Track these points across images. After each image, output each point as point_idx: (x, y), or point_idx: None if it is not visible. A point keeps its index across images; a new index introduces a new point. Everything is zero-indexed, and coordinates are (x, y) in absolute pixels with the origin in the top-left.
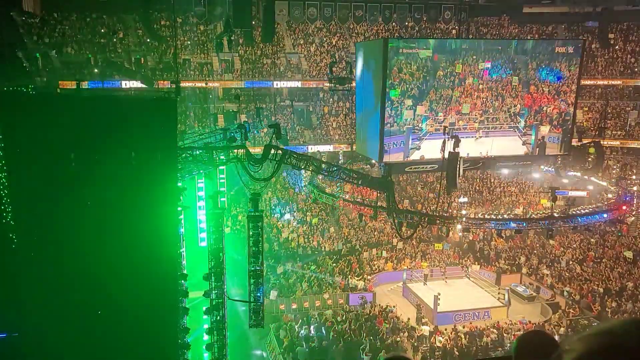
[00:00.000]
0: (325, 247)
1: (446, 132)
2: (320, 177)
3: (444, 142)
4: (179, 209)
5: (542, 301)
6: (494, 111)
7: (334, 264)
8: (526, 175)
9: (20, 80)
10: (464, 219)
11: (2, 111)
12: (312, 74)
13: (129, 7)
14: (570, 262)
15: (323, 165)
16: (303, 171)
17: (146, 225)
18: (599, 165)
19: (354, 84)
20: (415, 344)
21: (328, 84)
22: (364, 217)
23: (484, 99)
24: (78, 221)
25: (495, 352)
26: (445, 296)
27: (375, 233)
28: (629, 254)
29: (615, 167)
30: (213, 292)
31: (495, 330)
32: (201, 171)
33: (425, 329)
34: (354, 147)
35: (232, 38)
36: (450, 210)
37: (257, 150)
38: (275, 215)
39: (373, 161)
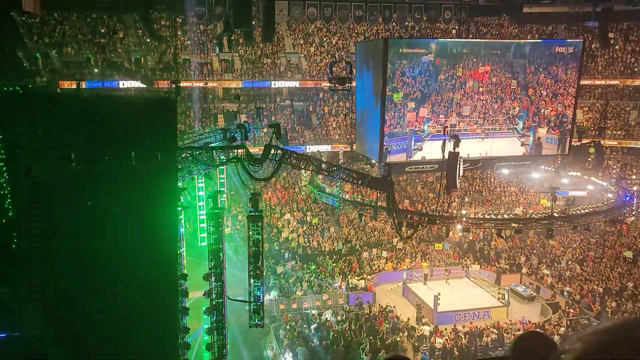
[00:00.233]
0: (325, 247)
1: (446, 132)
2: (320, 177)
3: (444, 142)
4: (179, 209)
5: (542, 301)
6: (494, 113)
7: (334, 264)
8: (526, 175)
9: (20, 80)
10: (464, 219)
11: (2, 111)
12: (312, 74)
13: (129, 7)
14: (570, 262)
15: (323, 165)
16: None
17: (146, 225)
18: (599, 165)
19: (354, 84)
20: (416, 344)
21: (328, 84)
22: (363, 217)
23: (484, 102)
24: (78, 221)
25: (495, 352)
26: (445, 296)
27: (375, 233)
28: (628, 254)
29: (615, 167)
30: (213, 292)
31: (495, 330)
32: (201, 171)
33: (426, 329)
34: (354, 147)
35: (232, 38)
36: (450, 210)
37: (256, 150)
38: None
39: (373, 161)
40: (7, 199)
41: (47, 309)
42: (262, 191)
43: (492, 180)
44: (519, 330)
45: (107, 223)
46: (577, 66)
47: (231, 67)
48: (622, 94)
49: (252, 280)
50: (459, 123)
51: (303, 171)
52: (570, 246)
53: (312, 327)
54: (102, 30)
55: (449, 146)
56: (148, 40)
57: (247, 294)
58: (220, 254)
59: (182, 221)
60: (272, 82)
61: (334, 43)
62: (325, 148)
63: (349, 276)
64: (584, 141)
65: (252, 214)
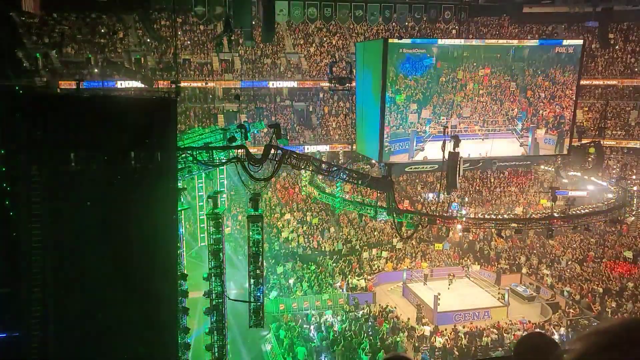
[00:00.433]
0: (325, 247)
1: (446, 132)
2: (320, 177)
3: (444, 142)
4: (179, 209)
5: (542, 301)
6: (493, 114)
7: (334, 264)
8: (526, 175)
9: (20, 80)
10: (464, 219)
11: (2, 111)
12: (312, 74)
13: (129, 7)
14: (569, 262)
15: (323, 165)
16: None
17: (146, 225)
18: (599, 165)
19: (354, 84)
20: (416, 344)
21: (327, 84)
22: (363, 217)
23: (484, 103)
24: (78, 221)
25: (495, 352)
26: (445, 296)
27: (375, 233)
28: (628, 254)
29: (615, 167)
30: (213, 292)
31: (495, 331)
32: (201, 171)
33: (427, 329)
34: (354, 147)
35: (232, 38)
36: (450, 210)
37: (256, 150)
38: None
39: (373, 161)
40: (7, 199)
41: (47, 309)
42: (262, 191)
43: (492, 180)
44: (518, 330)
45: (106, 223)
46: (575, 68)
47: (231, 67)
48: (622, 94)
49: (252, 280)
50: (459, 124)
51: (303, 171)
52: (570, 246)
53: (312, 327)
54: (102, 30)
55: (449, 146)
56: (148, 40)
57: (247, 294)
58: (220, 254)
59: (182, 221)
60: (270, 82)
61: (334, 43)
62: (324, 148)
63: (349, 276)
64: (584, 141)
65: (252, 214)
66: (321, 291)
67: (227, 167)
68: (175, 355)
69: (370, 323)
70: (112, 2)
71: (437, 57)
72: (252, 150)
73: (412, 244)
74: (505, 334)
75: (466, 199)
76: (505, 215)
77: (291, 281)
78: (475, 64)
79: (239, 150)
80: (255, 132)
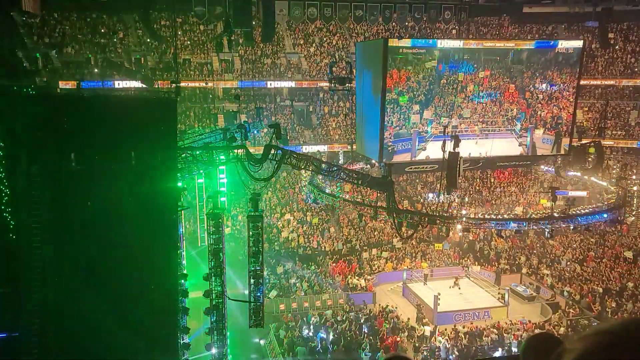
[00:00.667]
0: (325, 247)
1: (446, 132)
2: (320, 177)
3: (444, 142)
4: (179, 209)
5: (542, 301)
6: (493, 115)
7: (334, 264)
8: (526, 176)
9: (20, 80)
10: (464, 219)
11: (2, 111)
12: (312, 74)
13: (129, 7)
14: (570, 262)
15: (323, 165)
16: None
17: (146, 225)
18: (599, 165)
19: (354, 84)
20: (417, 344)
21: (327, 84)
22: (363, 217)
23: (484, 104)
24: (78, 221)
25: (495, 352)
26: (445, 296)
27: (375, 233)
28: (629, 254)
29: (615, 167)
30: (213, 292)
31: (495, 331)
32: (201, 171)
33: (427, 329)
34: (354, 147)
35: (232, 38)
36: (450, 210)
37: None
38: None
39: (373, 161)
40: (7, 200)
41: (47, 309)
42: (262, 191)
43: (492, 180)
44: (518, 330)
45: (107, 223)
46: (573, 69)
47: (231, 67)
48: (622, 94)
49: (252, 280)
50: (460, 124)
51: (303, 171)
52: (570, 246)
53: (312, 327)
54: (102, 30)
55: (449, 146)
56: (148, 40)
57: (247, 294)
58: (220, 254)
59: (182, 221)
60: (268, 82)
61: (334, 43)
62: (322, 148)
63: (349, 276)
64: (584, 141)
65: (252, 214)
66: (321, 291)
67: (227, 167)
68: (176, 355)
69: (370, 323)
70: (112, 2)
71: (438, 60)
72: (252, 150)
73: (412, 244)
74: (505, 334)
75: (466, 199)
76: (505, 215)
77: (291, 281)
78: (475, 66)
79: (239, 150)
80: (256, 132)
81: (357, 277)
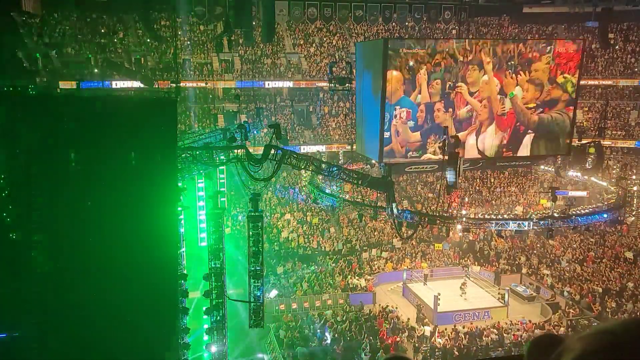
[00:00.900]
0: (325, 247)
1: (446, 132)
2: (320, 177)
3: (444, 142)
4: (179, 209)
5: (542, 301)
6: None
7: (334, 264)
8: (526, 176)
9: (20, 80)
10: (464, 219)
11: (2, 111)
12: (312, 74)
13: (129, 7)
14: (569, 262)
15: (323, 165)
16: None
17: (146, 225)
18: (599, 165)
19: (354, 84)
20: (416, 344)
21: (327, 84)
22: (364, 217)
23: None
24: (78, 221)
25: (495, 352)
26: (445, 296)
27: (375, 233)
28: (629, 255)
29: (615, 167)
30: (213, 292)
31: (495, 331)
32: (201, 171)
33: (427, 330)
34: (354, 147)
35: (232, 38)
36: (450, 210)
37: (256, 150)
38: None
39: (373, 161)
40: (7, 199)
41: (47, 309)
42: (262, 191)
43: (492, 181)
44: (518, 330)
45: (107, 223)
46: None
47: (231, 67)
48: (622, 94)
49: (252, 280)
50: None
51: (303, 171)
52: (570, 246)
53: (312, 327)
54: (102, 31)
55: (449, 146)
56: (148, 40)
57: (247, 294)
58: (220, 254)
59: (182, 221)
60: (266, 83)
61: (333, 43)
62: (320, 148)
63: (349, 276)
64: (584, 141)
65: (252, 214)
66: (321, 291)
67: (227, 167)
68: (176, 355)
69: (370, 323)
70: (112, 2)
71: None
72: (252, 150)
73: (412, 244)
74: (505, 334)
75: (466, 199)
76: (505, 215)
77: (291, 281)
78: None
79: (239, 150)
80: (256, 132)
81: (357, 277)
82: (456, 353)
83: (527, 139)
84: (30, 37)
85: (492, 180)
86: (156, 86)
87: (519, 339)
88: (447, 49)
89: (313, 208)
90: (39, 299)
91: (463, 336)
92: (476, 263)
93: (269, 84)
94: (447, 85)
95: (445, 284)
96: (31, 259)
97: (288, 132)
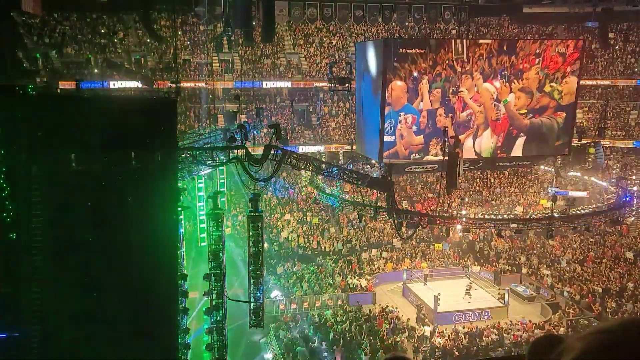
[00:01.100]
0: (325, 247)
1: (446, 132)
2: (320, 178)
3: (444, 142)
4: (179, 209)
5: (542, 301)
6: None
7: (334, 264)
8: (526, 176)
9: (20, 80)
10: (464, 219)
11: (2, 111)
12: (312, 74)
13: (129, 7)
14: (570, 262)
15: (323, 166)
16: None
17: (146, 226)
18: (599, 166)
19: (354, 84)
20: (416, 344)
21: (322, 84)
22: (363, 217)
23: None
24: (78, 221)
25: (495, 352)
26: (445, 296)
27: (375, 233)
28: (630, 255)
29: (615, 167)
30: (213, 292)
31: (495, 331)
32: (201, 171)
33: (427, 330)
34: (354, 148)
35: (232, 38)
36: (450, 211)
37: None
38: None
39: (373, 161)
40: (7, 199)
41: (47, 309)
42: (262, 191)
43: (492, 181)
44: (518, 330)
45: (107, 223)
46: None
47: (231, 67)
48: (622, 94)
49: (252, 281)
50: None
51: (303, 171)
52: (570, 246)
53: (312, 327)
54: (102, 31)
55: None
56: (148, 40)
57: (247, 294)
58: (220, 254)
59: (182, 221)
60: (264, 83)
61: (333, 43)
62: (320, 148)
63: (349, 276)
64: (584, 141)
65: (252, 214)
66: (321, 291)
67: (227, 167)
68: (175, 355)
69: (370, 323)
70: (112, 3)
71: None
72: (252, 150)
73: (412, 244)
74: (505, 334)
75: (466, 199)
76: (505, 215)
77: (291, 281)
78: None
79: (239, 151)
80: (255, 132)
81: (357, 278)
82: (456, 353)
83: (520, 142)
84: (30, 37)
85: (492, 181)
86: (156, 86)
87: (519, 339)
88: (447, 61)
89: (313, 208)
90: (38, 299)
91: (463, 336)
92: (476, 263)
93: (266, 84)
94: (451, 91)
95: (445, 284)
96: (31, 259)
97: (288, 132)
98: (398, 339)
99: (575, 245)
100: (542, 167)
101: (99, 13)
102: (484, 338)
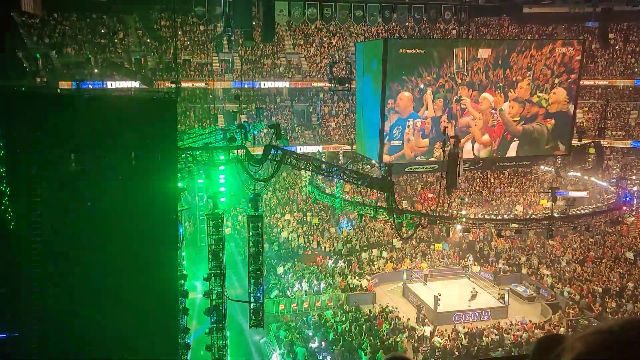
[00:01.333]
0: (325, 247)
1: (446, 132)
2: (320, 178)
3: (444, 142)
4: (179, 209)
5: (542, 301)
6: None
7: (334, 264)
8: (526, 176)
9: (20, 80)
10: (463, 219)
11: (2, 111)
12: (312, 74)
13: (129, 7)
14: (570, 262)
15: (323, 166)
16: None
17: (146, 226)
18: (599, 166)
19: (354, 84)
20: (415, 344)
21: (321, 84)
22: (363, 217)
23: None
24: (78, 221)
25: (495, 353)
26: (445, 296)
27: (375, 233)
28: (630, 255)
29: (615, 167)
30: (213, 292)
31: (495, 331)
32: (201, 171)
33: (427, 330)
34: (354, 148)
35: (232, 38)
36: (450, 211)
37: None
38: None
39: (373, 161)
40: (7, 199)
41: (47, 309)
42: (262, 191)
43: (492, 181)
44: (518, 330)
45: (107, 223)
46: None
47: (231, 67)
48: (622, 94)
49: (252, 281)
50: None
51: (303, 172)
52: (570, 246)
53: (312, 327)
54: (102, 31)
55: (449, 146)
56: (148, 40)
57: (247, 294)
58: (220, 255)
59: (182, 221)
60: (262, 82)
61: (333, 43)
62: (320, 148)
63: (349, 276)
64: (584, 141)
65: (252, 214)
66: (321, 291)
67: (227, 167)
68: (175, 356)
69: (370, 323)
70: (112, 3)
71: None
72: (252, 150)
73: (412, 244)
74: (505, 335)
75: (466, 199)
76: (505, 216)
77: (291, 281)
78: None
79: (239, 151)
80: (255, 132)
81: (357, 278)
82: (456, 353)
83: (514, 145)
84: (30, 37)
85: (492, 181)
86: (156, 86)
87: (519, 339)
88: (449, 74)
89: (313, 208)
90: (38, 299)
91: (463, 336)
92: (476, 263)
93: (265, 84)
94: (454, 99)
95: (445, 284)
96: (31, 259)
97: (288, 132)
98: (398, 339)
99: (575, 246)
100: (542, 167)
101: (99, 13)
102: (484, 338)
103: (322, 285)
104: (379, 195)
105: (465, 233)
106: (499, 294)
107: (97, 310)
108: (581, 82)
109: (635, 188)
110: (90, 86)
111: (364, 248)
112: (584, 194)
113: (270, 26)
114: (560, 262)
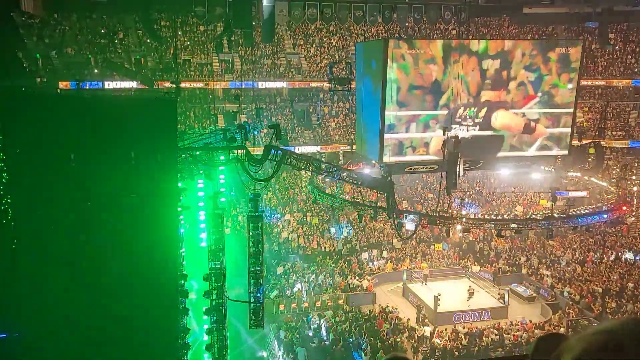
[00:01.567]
0: (325, 248)
1: (446, 132)
2: (320, 178)
3: (444, 143)
4: (179, 209)
5: (542, 301)
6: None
7: (334, 265)
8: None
9: (20, 80)
10: (463, 219)
11: (2, 111)
12: (312, 75)
13: (129, 7)
14: (570, 263)
15: (323, 166)
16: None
17: (146, 226)
18: (599, 166)
19: (354, 85)
20: (415, 344)
21: (327, 84)
22: (363, 218)
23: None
24: (78, 222)
25: (495, 353)
26: (445, 297)
27: (375, 233)
28: (630, 256)
29: (615, 167)
30: (213, 292)
31: (495, 331)
32: (201, 171)
33: (427, 330)
34: (354, 148)
35: (232, 38)
36: (450, 211)
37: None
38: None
39: (373, 161)
40: (7, 199)
41: (47, 309)
42: (262, 191)
43: (492, 181)
44: (518, 331)
45: (107, 224)
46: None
47: (231, 67)
48: (622, 94)
49: (252, 281)
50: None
51: (303, 172)
52: (570, 247)
53: (312, 327)
54: (102, 31)
55: (449, 147)
56: (148, 40)
57: (247, 294)
58: (221, 255)
59: (183, 222)
60: (265, 83)
61: (333, 43)
62: (317, 149)
63: (349, 277)
64: (584, 141)
65: (252, 214)
66: (321, 291)
67: (227, 167)
68: (175, 355)
69: (370, 323)
70: (112, 3)
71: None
72: (252, 150)
73: (412, 244)
74: (505, 335)
75: (466, 200)
76: (505, 216)
77: (291, 281)
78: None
79: (239, 151)
80: (255, 132)
81: (357, 278)
82: (456, 353)
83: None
84: (30, 37)
85: (492, 180)
86: (156, 86)
87: (519, 339)
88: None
89: (313, 208)
90: (38, 298)
91: (463, 336)
92: (476, 263)
93: (264, 84)
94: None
95: (445, 285)
96: (31, 259)
97: (288, 132)
98: (398, 339)
99: (575, 246)
100: (542, 167)
101: (99, 13)
102: (484, 338)
103: (322, 285)
104: (379, 195)
105: (465, 233)
106: (499, 294)
107: (97, 310)
108: (581, 82)
109: (635, 188)
110: (90, 86)
111: (364, 248)
112: (584, 194)
113: (270, 26)
114: (560, 262)
